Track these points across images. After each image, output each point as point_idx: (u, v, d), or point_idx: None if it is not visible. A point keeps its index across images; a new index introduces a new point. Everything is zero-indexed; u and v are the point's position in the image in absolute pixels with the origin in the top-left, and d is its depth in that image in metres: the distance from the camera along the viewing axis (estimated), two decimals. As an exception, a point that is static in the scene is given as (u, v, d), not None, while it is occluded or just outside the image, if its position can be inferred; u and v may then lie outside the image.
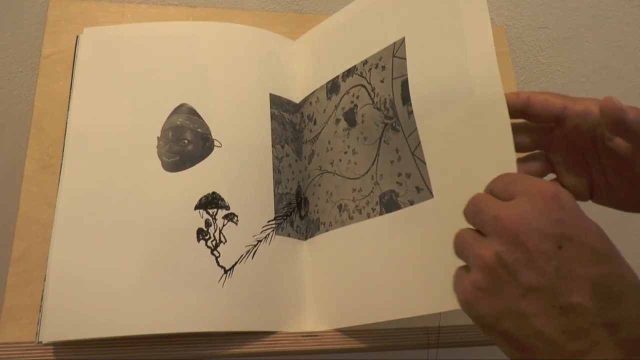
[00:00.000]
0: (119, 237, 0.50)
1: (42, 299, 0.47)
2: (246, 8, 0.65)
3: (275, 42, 0.60)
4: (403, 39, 0.51)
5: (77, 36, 0.57)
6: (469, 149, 0.45)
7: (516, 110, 0.43)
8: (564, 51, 0.71)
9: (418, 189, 0.48)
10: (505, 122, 0.42)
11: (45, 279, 0.48)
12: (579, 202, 0.35)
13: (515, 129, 0.43)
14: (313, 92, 0.59)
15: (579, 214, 0.33)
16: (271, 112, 0.57)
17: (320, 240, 0.54)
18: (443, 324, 0.52)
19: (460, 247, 0.36)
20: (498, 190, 0.36)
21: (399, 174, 0.50)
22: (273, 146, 0.56)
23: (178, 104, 0.55)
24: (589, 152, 0.42)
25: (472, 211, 0.36)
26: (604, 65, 0.71)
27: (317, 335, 0.50)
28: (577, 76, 0.71)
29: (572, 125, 0.41)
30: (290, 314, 0.51)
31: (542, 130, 0.44)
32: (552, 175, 0.45)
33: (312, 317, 0.51)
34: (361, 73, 0.55)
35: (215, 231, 0.51)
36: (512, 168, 0.41)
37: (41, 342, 0.46)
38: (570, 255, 0.31)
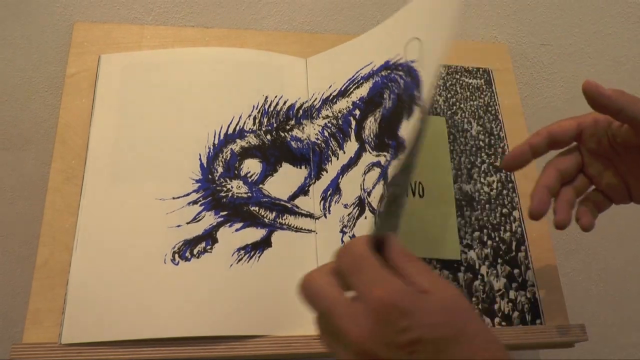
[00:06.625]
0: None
1: (64, 302, 0.50)
2: (259, 28, 0.68)
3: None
4: None
5: (99, 56, 0.60)
6: None
7: (543, 146, 0.47)
8: (566, 67, 0.73)
9: None
10: None
11: (67, 284, 0.50)
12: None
13: (554, 162, 0.48)
14: None
15: (420, 307, 0.30)
16: None
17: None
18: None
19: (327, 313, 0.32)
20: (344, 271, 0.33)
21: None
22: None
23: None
24: (613, 156, 0.46)
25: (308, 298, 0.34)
26: (605, 80, 0.72)
27: (329, 339, 0.50)
28: (579, 91, 0.71)
29: (589, 136, 0.46)
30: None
31: (571, 153, 0.48)
32: None
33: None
34: None
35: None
36: None
37: (62, 344, 0.48)
38: (423, 354, 0.30)
